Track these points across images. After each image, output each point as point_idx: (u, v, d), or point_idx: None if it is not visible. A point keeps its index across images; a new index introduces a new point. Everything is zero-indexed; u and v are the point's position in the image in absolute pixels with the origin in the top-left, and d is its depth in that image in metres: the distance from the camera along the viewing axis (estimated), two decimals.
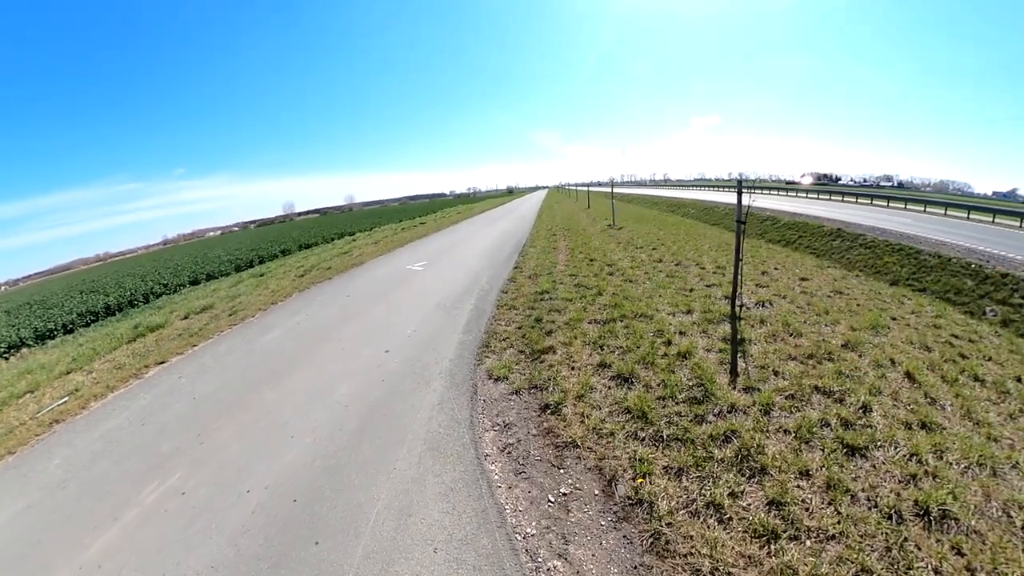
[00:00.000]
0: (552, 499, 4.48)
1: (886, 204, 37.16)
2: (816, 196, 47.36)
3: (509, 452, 5.24)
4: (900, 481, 4.29)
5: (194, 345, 10.09)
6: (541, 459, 5.08)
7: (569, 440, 5.27)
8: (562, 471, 4.86)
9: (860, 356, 6.93)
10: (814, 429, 5.00)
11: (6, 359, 16.75)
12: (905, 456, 4.63)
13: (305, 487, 4.83)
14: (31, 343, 17.96)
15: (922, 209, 32.48)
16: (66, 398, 8.26)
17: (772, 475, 4.39)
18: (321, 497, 4.66)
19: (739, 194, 9.08)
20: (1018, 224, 23.98)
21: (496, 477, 4.85)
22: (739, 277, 9.17)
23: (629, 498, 4.34)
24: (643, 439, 5.12)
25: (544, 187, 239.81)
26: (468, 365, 7.46)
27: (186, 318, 13.45)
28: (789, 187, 59.17)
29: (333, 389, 6.96)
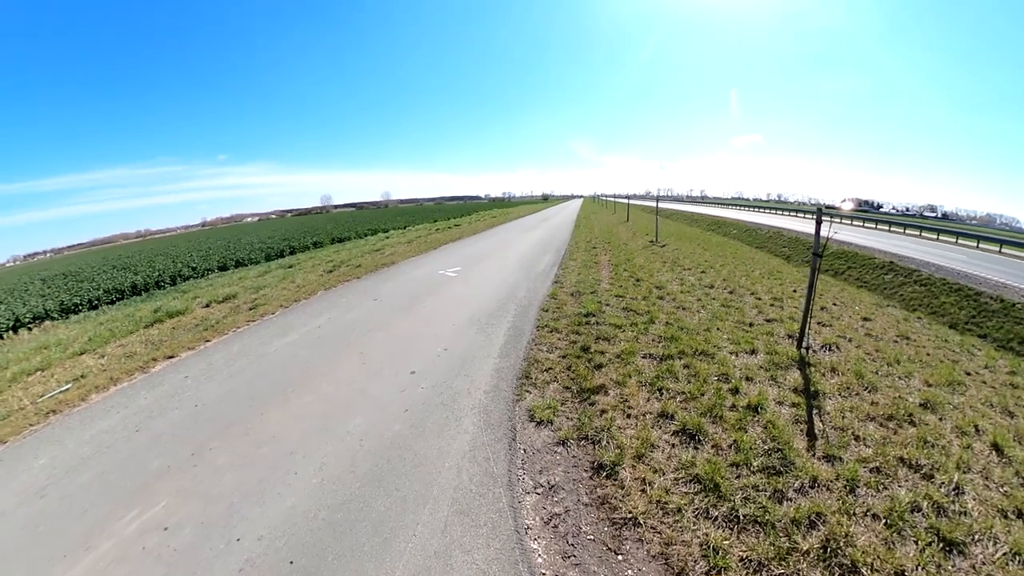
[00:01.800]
0: None
1: (936, 237, 35.18)
2: (862, 224, 45.41)
3: (555, 526, 4.23)
4: None
5: (207, 340, 9.40)
6: (595, 539, 4.07)
7: (628, 516, 4.24)
8: (620, 557, 3.86)
9: (941, 420, 5.96)
10: (905, 515, 4.10)
11: (29, 330, 16.61)
12: (1007, 555, 3.79)
13: (306, 545, 3.94)
14: (55, 316, 17.81)
15: (975, 245, 30.55)
16: (69, 385, 7.69)
17: (864, 575, 3.52)
18: (323, 563, 3.76)
19: (818, 223, 8.01)
20: None
21: (540, 560, 3.85)
22: (809, 317, 8.11)
23: None
24: (715, 519, 4.14)
25: (579, 196, 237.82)
26: (506, 400, 6.44)
27: (207, 306, 12.90)
28: (829, 211, 57.06)
29: (348, 416, 6.05)
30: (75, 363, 8.98)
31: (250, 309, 11.77)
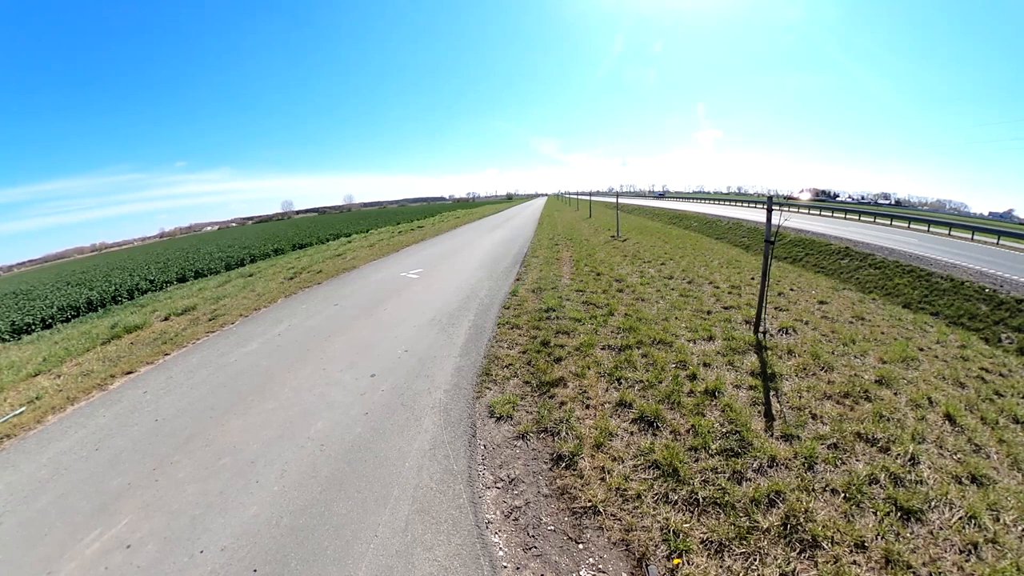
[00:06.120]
0: None
1: (889, 223, 36.56)
2: (819, 213, 46.78)
3: (516, 519, 4.35)
4: (961, 551, 3.74)
5: (166, 354, 9.27)
6: (555, 529, 4.20)
7: (588, 504, 4.39)
8: (581, 546, 3.99)
9: (896, 394, 6.25)
10: (864, 488, 4.36)
11: None
12: (962, 519, 4.02)
13: (268, 553, 4.01)
14: (7, 337, 17.13)
15: (926, 229, 31.90)
16: (23, 408, 7.48)
17: (825, 548, 3.71)
18: (286, 569, 3.84)
19: (769, 212, 8.29)
20: None
21: (501, 553, 3.96)
22: (764, 302, 8.41)
23: None
24: (675, 503, 4.31)
25: (543, 194, 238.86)
26: (466, 398, 6.58)
27: (166, 319, 12.65)
28: (788, 202, 58.48)
29: (308, 423, 6.10)
30: (29, 385, 8.73)
31: (209, 320, 11.60)
